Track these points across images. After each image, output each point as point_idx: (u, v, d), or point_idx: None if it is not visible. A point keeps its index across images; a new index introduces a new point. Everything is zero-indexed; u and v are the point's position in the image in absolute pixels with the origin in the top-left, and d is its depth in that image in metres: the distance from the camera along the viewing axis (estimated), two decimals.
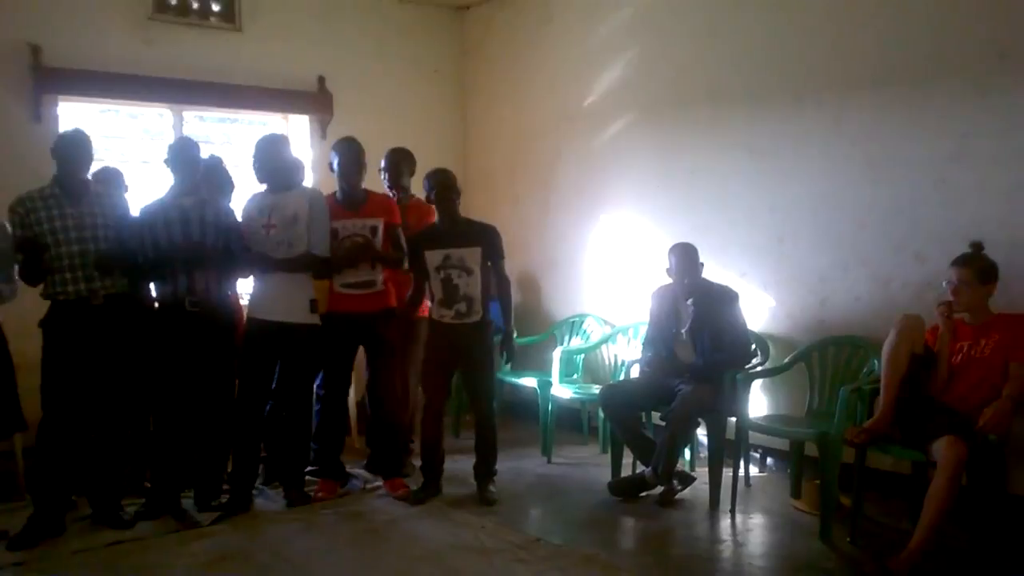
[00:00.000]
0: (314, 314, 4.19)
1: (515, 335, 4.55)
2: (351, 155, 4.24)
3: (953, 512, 3.20)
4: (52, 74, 5.10)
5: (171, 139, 4.15)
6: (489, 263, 4.30)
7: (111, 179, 4.40)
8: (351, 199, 4.27)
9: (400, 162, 4.78)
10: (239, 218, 4.19)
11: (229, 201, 4.37)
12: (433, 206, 4.35)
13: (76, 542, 3.73)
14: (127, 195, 4.36)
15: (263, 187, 4.25)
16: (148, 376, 4.04)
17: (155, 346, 4.03)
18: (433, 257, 4.22)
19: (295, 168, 4.49)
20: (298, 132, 6.14)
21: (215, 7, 5.71)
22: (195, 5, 5.63)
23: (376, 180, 4.73)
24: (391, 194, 4.67)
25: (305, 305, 4.16)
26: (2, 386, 3.79)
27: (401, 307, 4.42)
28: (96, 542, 3.72)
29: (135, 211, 4.08)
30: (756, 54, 4.79)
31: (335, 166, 4.27)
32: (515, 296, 6.30)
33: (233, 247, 4.08)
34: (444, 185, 4.26)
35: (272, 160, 4.17)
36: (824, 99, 4.47)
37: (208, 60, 5.65)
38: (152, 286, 4.10)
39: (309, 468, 4.50)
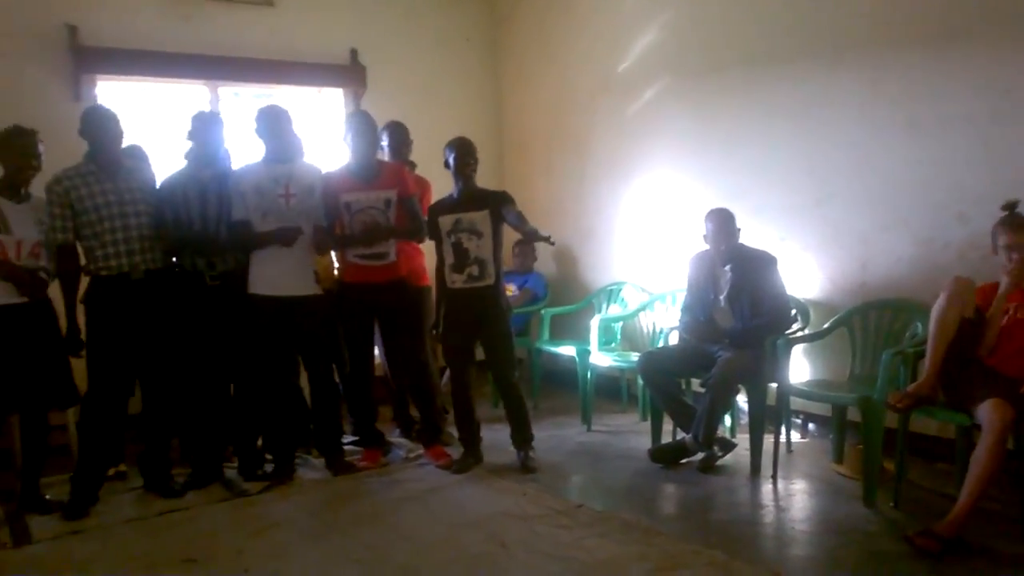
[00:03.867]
0: (317, 284, 4.22)
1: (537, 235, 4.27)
2: (363, 128, 4.24)
3: (999, 476, 3.16)
4: (90, 53, 5.17)
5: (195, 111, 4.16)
6: (504, 220, 4.26)
7: (138, 156, 4.38)
8: (365, 171, 4.27)
9: (402, 136, 4.79)
10: (235, 188, 4.13)
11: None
12: (426, 180, 4.38)
13: (129, 511, 3.84)
14: (152, 172, 4.34)
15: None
16: (186, 348, 4.11)
17: (183, 319, 4.08)
18: (445, 222, 4.26)
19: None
20: (332, 105, 6.16)
21: None
22: None
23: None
24: None
25: (310, 276, 4.19)
26: (56, 361, 3.85)
27: (415, 278, 4.47)
28: (148, 511, 3.83)
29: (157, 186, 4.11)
30: (791, 15, 4.70)
31: (349, 140, 4.26)
32: (552, 265, 6.38)
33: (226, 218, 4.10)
34: (463, 152, 4.27)
35: (284, 130, 4.17)
36: (862, 59, 4.38)
37: (242, 36, 5.69)
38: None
39: (350, 439, 4.57)
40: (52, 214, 3.79)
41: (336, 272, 4.50)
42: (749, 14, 4.93)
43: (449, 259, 4.27)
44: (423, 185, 4.78)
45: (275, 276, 4.10)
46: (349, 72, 6.12)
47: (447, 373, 4.63)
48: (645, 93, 5.62)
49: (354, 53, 6.12)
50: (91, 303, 3.86)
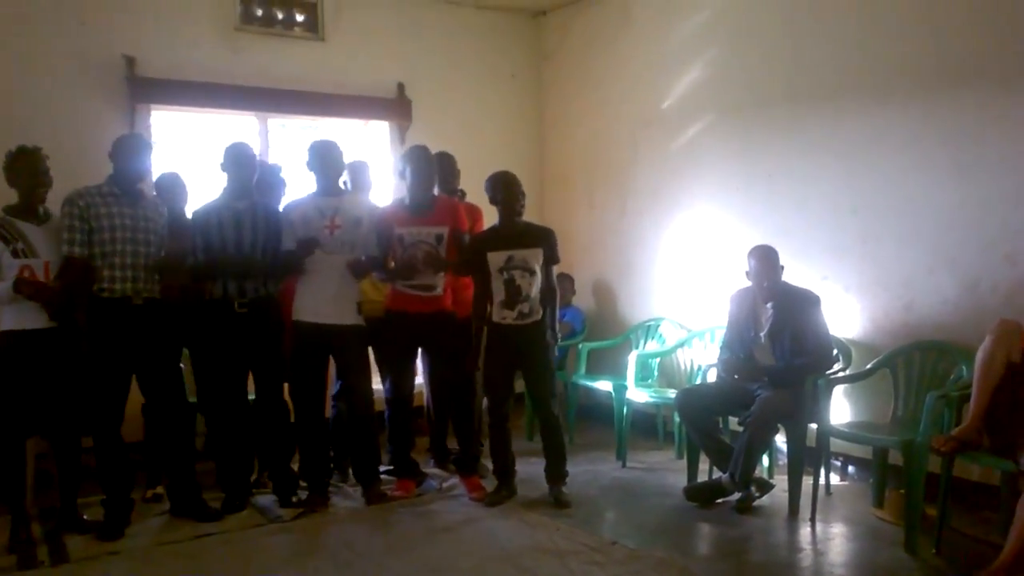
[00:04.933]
0: (359, 315, 4.26)
1: (559, 341, 4.51)
2: (424, 164, 4.29)
3: None
4: (146, 84, 5.30)
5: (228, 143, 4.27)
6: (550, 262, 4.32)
7: (172, 185, 4.49)
8: (419, 206, 4.32)
9: (450, 167, 4.80)
10: (284, 218, 4.23)
11: (276, 205, 4.43)
12: (478, 207, 4.47)
13: (165, 534, 3.89)
14: (187, 202, 4.50)
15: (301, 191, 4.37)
16: (198, 374, 4.20)
17: (205, 345, 4.15)
18: (496, 259, 4.25)
19: (354, 171, 4.61)
20: (377, 138, 6.26)
21: (299, 17, 5.88)
22: (280, 16, 5.80)
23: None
24: None
25: (353, 307, 4.23)
26: (81, 387, 3.85)
27: (463, 311, 4.46)
28: (183, 535, 3.86)
29: (189, 214, 4.22)
30: (837, 53, 4.69)
31: (406, 174, 4.31)
32: (590, 300, 6.37)
33: (276, 250, 4.17)
34: (509, 186, 4.29)
35: (335, 163, 4.25)
36: (908, 98, 4.35)
37: (292, 69, 5.80)
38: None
39: (385, 468, 4.58)
40: (70, 227, 3.75)
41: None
42: (794, 52, 4.93)
43: (499, 296, 4.26)
44: (474, 213, 4.78)
45: (317, 304, 4.16)
46: (395, 105, 6.21)
47: (483, 404, 4.63)
48: (688, 129, 5.63)
49: (401, 87, 6.23)
50: (91, 324, 3.82)
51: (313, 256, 4.12)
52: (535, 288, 4.24)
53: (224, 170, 4.17)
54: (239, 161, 4.15)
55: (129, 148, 3.94)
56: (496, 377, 4.38)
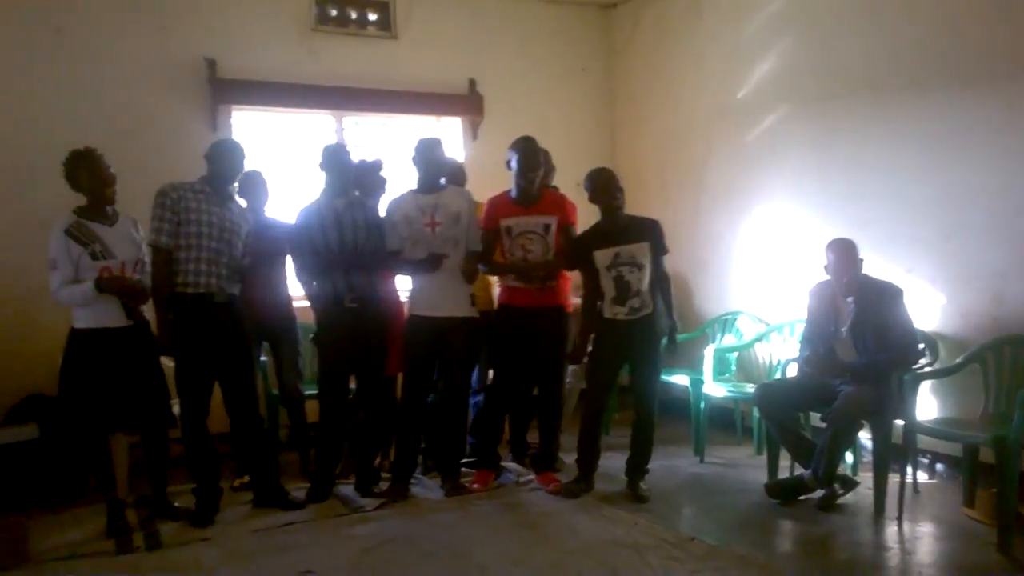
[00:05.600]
0: (473, 307, 4.31)
1: (678, 328, 4.48)
2: (531, 153, 4.30)
3: None
4: (226, 85, 5.45)
5: (325, 143, 4.35)
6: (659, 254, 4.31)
7: (253, 183, 4.57)
8: (526, 196, 4.34)
9: (545, 162, 4.77)
10: (388, 219, 4.31)
11: (377, 202, 4.52)
12: (573, 202, 4.44)
13: (252, 522, 3.99)
14: (267, 200, 4.61)
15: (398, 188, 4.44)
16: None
17: (320, 340, 4.27)
18: (603, 256, 4.25)
19: (449, 169, 4.64)
20: (450, 134, 6.31)
21: (372, 17, 5.97)
22: (354, 16, 5.90)
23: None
24: None
25: (466, 300, 4.30)
26: (156, 384, 3.97)
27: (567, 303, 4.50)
28: (271, 522, 3.96)
29: (292, 214, 4.32)
30: (919, 39, 4.56)
31: (513, 164, 4.32)
32: None
33: (378, 247, 4.25)
34: (608, 183, 4.29)
35: (436, 160, 4.31)
36: (995, 84, 4.21)
37: (366, 67, 5.90)
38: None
39: (465, 460, 4.62)
40: (160, 217, 3.81)
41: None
42: (872, 38, 4.81)
43: (610, 292, 4.26)
44: (571, 208, 4.72)
45: (431, 299, 4.25)
46: (467, 101, 6.26)
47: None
48: (764, 120, 5.55)
49: (472, 83, 6.27)
50: (174, 320, 3.86)
51: (417, 252, 4.21)
52: (645, 282, 4.23)
53: (322, 169, 4.27)
54: (337, 160, 4.25)
55: (226, 151, 4.04)
56: (602, 372, 4.38)
